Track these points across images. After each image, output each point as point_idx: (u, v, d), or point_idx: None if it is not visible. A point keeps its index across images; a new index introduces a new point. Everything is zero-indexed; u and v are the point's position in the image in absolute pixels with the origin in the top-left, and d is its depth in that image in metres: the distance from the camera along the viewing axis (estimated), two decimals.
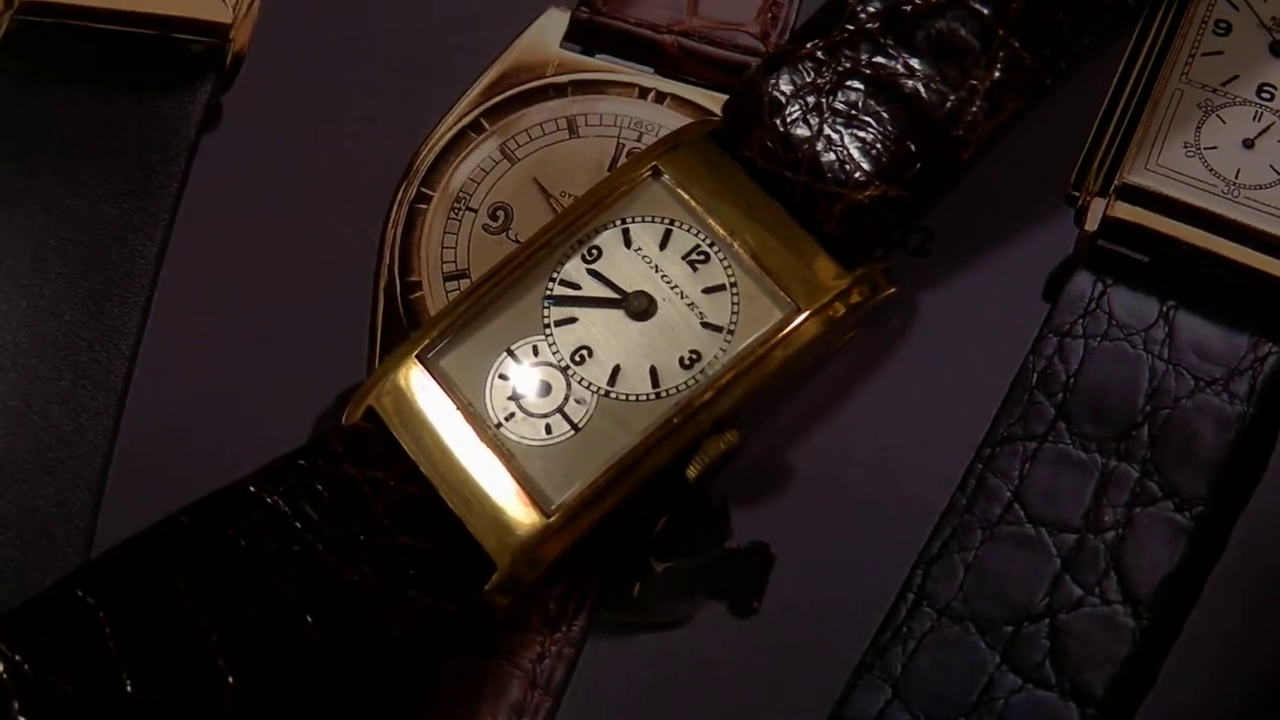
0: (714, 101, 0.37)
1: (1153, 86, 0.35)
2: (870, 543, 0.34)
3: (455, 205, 0.38)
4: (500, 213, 0.38)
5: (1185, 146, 0.35)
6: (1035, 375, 0.34)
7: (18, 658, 0.31)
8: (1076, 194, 0.35)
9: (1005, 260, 0.36)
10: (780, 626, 0.33)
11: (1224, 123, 0.35)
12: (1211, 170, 0.34)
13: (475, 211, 0.38)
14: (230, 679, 0.31)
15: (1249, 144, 0.34)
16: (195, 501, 0.33)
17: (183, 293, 0.38)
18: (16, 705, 0.31)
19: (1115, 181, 0.34)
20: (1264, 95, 0.35)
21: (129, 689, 0.31)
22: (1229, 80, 0.35)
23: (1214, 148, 0.35)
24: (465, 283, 0.37)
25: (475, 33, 0.39)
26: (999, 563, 0.33)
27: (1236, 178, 0.34)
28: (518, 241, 0.37)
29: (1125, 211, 0.34)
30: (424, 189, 0.38)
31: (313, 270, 0.38)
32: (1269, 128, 0.34)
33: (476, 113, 0.38)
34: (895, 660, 0.32)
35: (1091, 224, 0.34)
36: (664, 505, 0.34)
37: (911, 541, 0.33)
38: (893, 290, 0.34)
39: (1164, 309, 0.34)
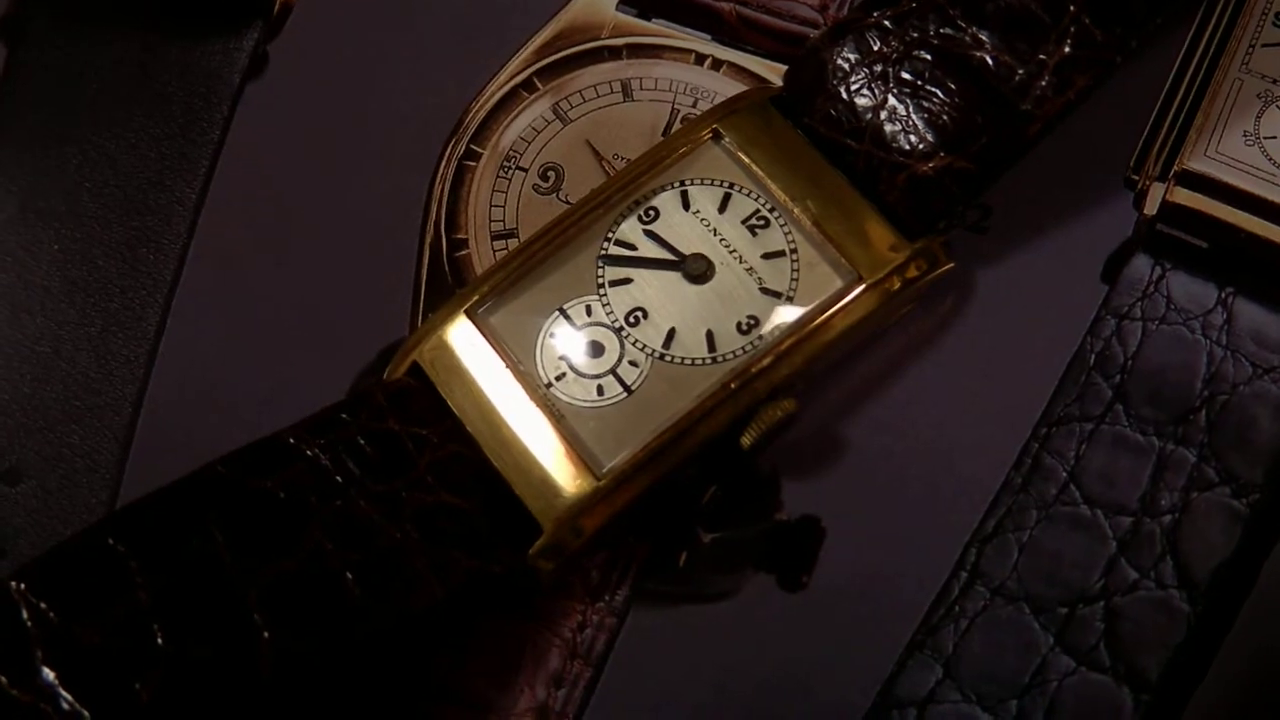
0: (770, 70, 0.37)
1: (1213, 75, 0.35)
2: (923, 519, 0.33)
3: (505, 164, 0.37)
4: (551, 173, 0.37)
5: (1244, 135, 0.34)
6: (1093, 356, 0.33)
7: (43, 605, 0.30)
8: (1136, 178, 0.35)
9: (1063, 240, 0.35)
10: (830, 601, 0.33)
11: None
12: (1270, 159, 0.34)
13: (525, 171, 0.37)
14: (266, 634, 0.30)
15: None
16: (233, 452, 0.32)
17: (221, 242, 0.37)
18: (40, 654, 0.29)
19: (1174, 167, 0.34)
20: None
21: (160, 642, 0.30)
22: None
23: (1273, 137, 0.34)
24: (513, 242, 0.36)
25: None
26: (1054, 543, 0.32)
27: None
28: (568, 203, 0.36)
29: (1184, 197, 0.34)
30: (474, 146, 0.37)
31: (356, 224, 0.37)
32: None
33: (529, 72, 0.37)
34: (947, 639, 0.32)
35: (1150, 208, 0.34)
36: (714, 474, 0.34)
37: (965, 519, 0.33)
38: (951, 265, 0.34)
39: (1222, 295, 0.34)
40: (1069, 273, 0.35)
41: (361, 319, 0.36)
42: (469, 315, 0.33)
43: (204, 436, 0.35)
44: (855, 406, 0.34)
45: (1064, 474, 0.33)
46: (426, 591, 0.31)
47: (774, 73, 0.37)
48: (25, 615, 0.30)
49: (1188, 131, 0.34)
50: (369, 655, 0.31)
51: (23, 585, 0.30)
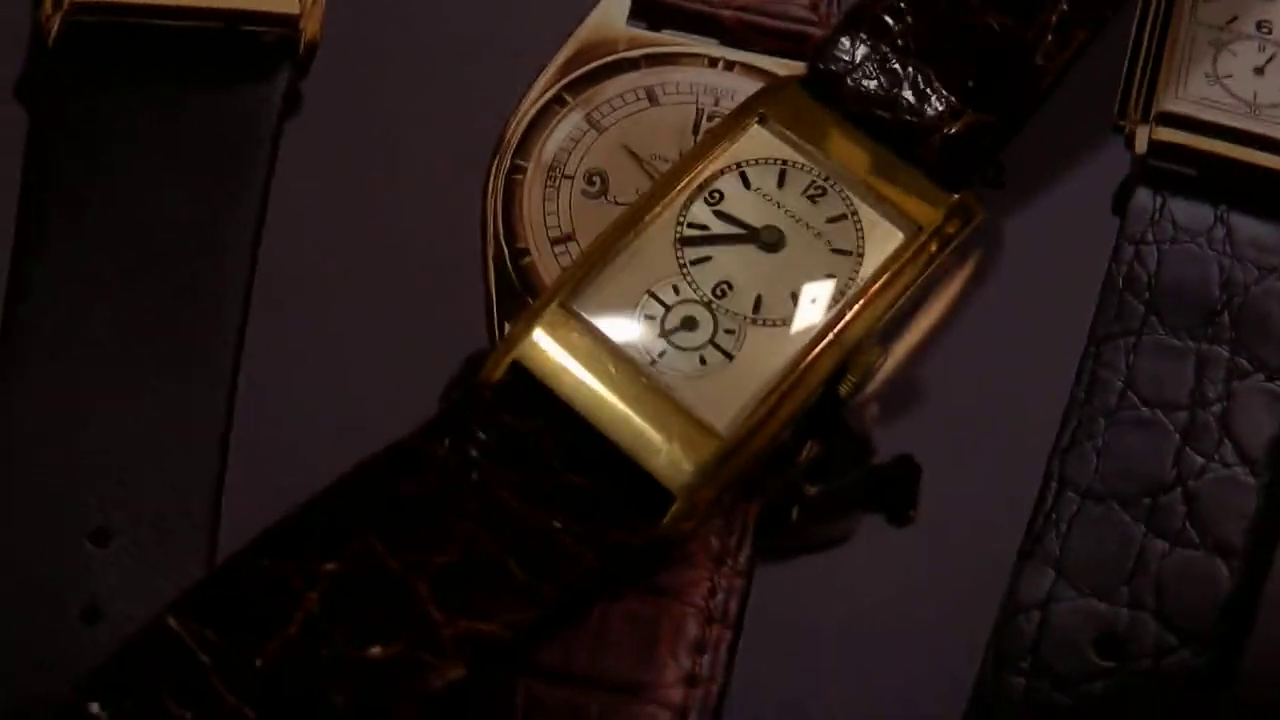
0: (780, 66, 0.39)
1: (1168, 29, 0.40)
2: (1004, 443, 0.36)
3: (551, 174, 0.38)
4: (596, 178, 0.38)
5: (1206, 77, 0.39)
6: (1120, 280, 0.37)
7: (210, 634, 0.30)
8: (1122, 123, 0.39)
9: (1071, 184, 0.39)
10: (938, 530, 0.35)
11: (1234, 55, 0.39)
12: (1232, 95, 0.39)
13: (571, 179, 0.38)
14: (446, 626, 0.30)
15: (1259, 71, 0.39)
16: (364, 461, 0.32)
17: (284, 279, 0.37)
18: (220, 681, 0.29)
19: (1153, 111, 0.39)
20: (1263, 30, 0.40)
21: (342, 647, 0.30)
22: (1231, 20, 0.40)
23: (1230, 76, 0.39)
24: (572, 245, 0.37)
25: (540, 15, 0.40)
26: (1125, 444, 0.36)
27: (1255, 99, 0.39)
28: (617, 203, 0.38)
29: (1167, 135, 0.38)
30: (518, 161, 0.38)
31: (415, 246, 0.38)
32: (1273, 57, 0.39)
33: (557, 88, 0.39)
34: (1052, 544, 0.35)
35: (1140, 147, 0.39)
36: (812, 429, 0.35)
37: (1041, 437, 0.36)
38: (985, 216, 0.37)
39: (1219, 213, 0.38)
40: (1082, 211, 0.39)
41: (438, 336, 0.37)
42: (563, 308, 0.34)
43: (297, 470, 0.35)
44: (923, 354, 0.37)
45: (1119, 383, 0.36)
46: (582, 567, 0.32)
47: (783, 68, 0.39)
48: (193, 645, 0.29)
49: (1157, 79, 0.39)
50: (528, 639, 0.32)
51: (183, 619, 0.30)
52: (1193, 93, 0.39)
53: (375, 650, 0.30)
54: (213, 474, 0.35)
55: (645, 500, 0.33)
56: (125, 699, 0.29)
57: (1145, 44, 0.40)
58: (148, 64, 0.38)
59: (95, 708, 0.29)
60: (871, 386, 0.35)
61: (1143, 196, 0.38)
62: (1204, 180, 0.38)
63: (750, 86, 0.39)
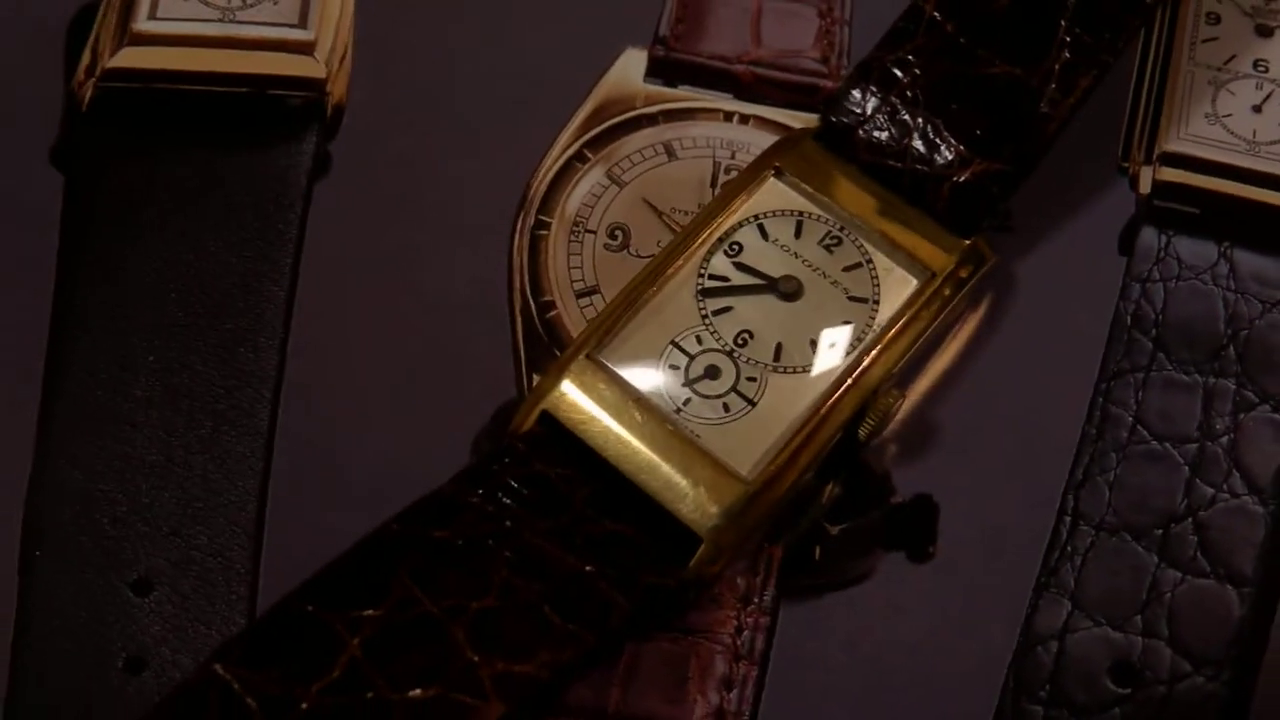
0: (793, 119, 0.41)
1: (1168, 71, 0.41)
2: (1019, 480, 0.38)
3: (574, 229, 0.40)
4: (618, 232, 0.40)
5: (1206, 117, 0.41)
6: (1129, 317, 0.39)
7: (257, 679, 0.31)
8: (1126, 164, 0.41)
9: (1078, 225, 0.41)
10: (956, 565, 0.37)
11: (1233, 94, 0.41)
12: (1232, 133, 0.40)
13: (594, 233, 0.40)
14: (486, 669, 0.32)
15: (1257, 109, 0.41)
16: (402, 511, 0.34)
17: (319, 333, 0.39)
18: None
19: (1156, 151, 0.40)
20: (1260, 69, 0.41)
21: (385, 691, 0.31)
22: (1229, 60, 0.41)
23: (1230, 115, 0.41)
24: (597, 298, 0.39)
25: (558, 75, 0.42)
26: (1137, 477, 0.37)
27: (1254, 137, 0.40)
28: (639, 256, 0.40)
29: (1170, 175, 0.40)
30: (542, 217, 0.40)
31: (443, 302, 0.40)
32: (1270, 95, 0.41)
33: (578, 145, 0.40)
34: (1067, 576, 0.36)
35: (1144, 188, 0.40)
36: (832, 471, 0.37)
37: (1055, 473, 0.37)
38: (996, 259, 0.39)
39: (1222, 249, 0.39)
40: (1090, 251, 0.41)
41: (466, 388, 0.39)
42: (590, 359, 0.36)
43: (333, 522, 0.37)
44: (938, 396, 0.38)
45: (1130, 418, 0.37)
46: (618, 611, 0.33)
47: (796, 120, 0.41)
48: (240, 691, 0.31)
49: (1159, 120, 0.41)
50: (572, 676, 0.33)
51: (230, 665, 0.31)
52: (1194, 132, 0.41)
53: (415, 693, 0.31)
54: (251, 524, 0.36)
55: (673, 544, 0.35)
56: None
57: (1146, 86, 0.41)
58: (179, 128, 0.39)
59: None
60: (889, 428, 0.38)
61: (1148, 235, 0.40)
62: (1207, 218, 0.40)
63: (765, 139, 0.41)
